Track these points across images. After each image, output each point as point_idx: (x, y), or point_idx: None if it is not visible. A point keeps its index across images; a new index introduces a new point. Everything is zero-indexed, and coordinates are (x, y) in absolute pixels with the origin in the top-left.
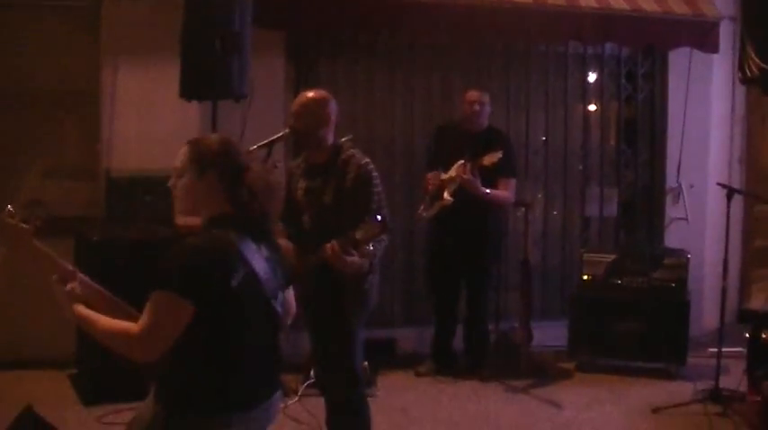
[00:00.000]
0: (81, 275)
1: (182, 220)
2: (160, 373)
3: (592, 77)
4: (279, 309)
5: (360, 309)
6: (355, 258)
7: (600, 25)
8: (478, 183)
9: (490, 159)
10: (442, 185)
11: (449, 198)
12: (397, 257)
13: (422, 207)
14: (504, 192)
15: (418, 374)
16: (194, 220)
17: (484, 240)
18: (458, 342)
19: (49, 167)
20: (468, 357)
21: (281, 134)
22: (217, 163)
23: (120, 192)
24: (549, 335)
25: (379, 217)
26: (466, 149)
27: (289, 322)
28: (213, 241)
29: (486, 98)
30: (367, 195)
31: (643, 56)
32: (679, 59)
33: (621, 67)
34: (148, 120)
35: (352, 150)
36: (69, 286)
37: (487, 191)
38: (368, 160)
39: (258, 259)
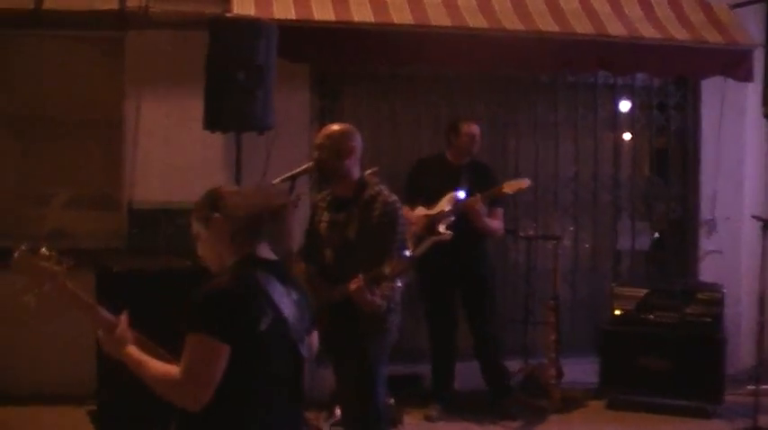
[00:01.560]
0: (124, 319)
1: None
2: (181, 413)
3: (623, 108)
4: (305, 353)
5: (380, 347)
6: (376, 298)
7: (630, 55)
8: (482, 214)
9: (515, 186)
10: (431, 221)
11: (447, 232)
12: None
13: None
14: (498, 222)
15: (429, 419)
16: None
17: (484, 267)
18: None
19: (72, 197)
20: (490, 392)
21: (305, 167)
22: (216, 205)
23: (142, 223)
24: (579, 371)
25: (407, 252)
26: (454, 182)
27: (310, 360)
28: (242, 283)
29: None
30: (391, 234)
31: (675, 85)
32: (712, 88)
33: (653, 98)
34: (172, 152)
35: (379, 186)
36: (118, 331)
37: (487, 220)
38: (395, 197)
39: (287, 302)
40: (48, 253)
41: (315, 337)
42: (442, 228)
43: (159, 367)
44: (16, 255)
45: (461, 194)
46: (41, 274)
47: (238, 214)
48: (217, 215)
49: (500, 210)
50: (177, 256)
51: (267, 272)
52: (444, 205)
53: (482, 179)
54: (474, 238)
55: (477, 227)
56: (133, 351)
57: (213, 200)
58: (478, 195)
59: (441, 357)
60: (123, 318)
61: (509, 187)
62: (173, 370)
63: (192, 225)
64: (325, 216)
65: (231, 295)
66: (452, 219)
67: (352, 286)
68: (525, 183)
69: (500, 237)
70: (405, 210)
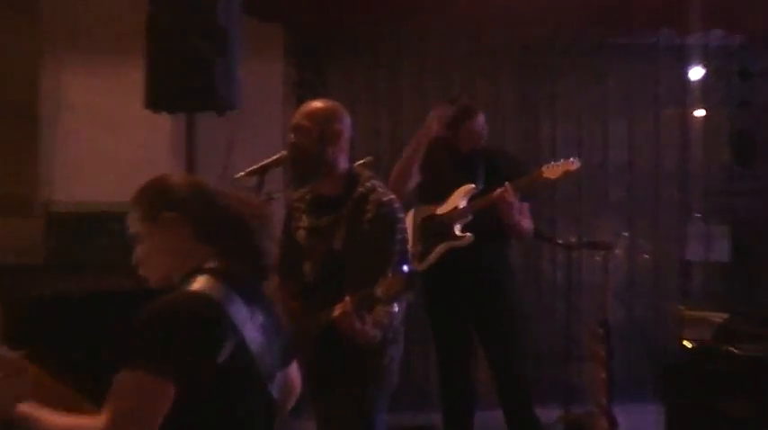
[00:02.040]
0: (11, 356)
1: None
2: None
3: (693, 76)
4: (275, 394)
5: (377, 390)
6: (367, 327)
7: (702, 6)
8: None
9: (559, 170)
10: (442, 221)
11: (466, 234)
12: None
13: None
14: (528, 220)
15: None
16: None
17: (505, 283)
18: None
19: None
20: None
21: (277, 156)
22: (165, 199)
23: (64, 231)
24: (639, 421)
25: (405, 267)
26: (467, 173)
27: (290, 406)
28: (193, 302)
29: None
30: (388, 244)
31: (762, 46)
32: None
33: (733, 62)
34: (104, 138)
35: (372, 181)
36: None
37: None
38: (392, 196)
39: (251, 328)
40: None
41: (294, 374)
42: (458, 230)
43: (70, 421)
44: None
45: (476, 186)
46: None
47: (198, 212)
48: (169, 213)
49: (526, 206)
50: (112, 274)
51: (227, 287)
52: (458, 201)
53: (502, 168)
54: (494, 243)
55: (507, 225)
56: (27, 408)
57: (164, 191)
58: (508, 185)
59: (453, 403)
60: (17, 360)
61: (551, 171)
62: (86, 422)
63: (131, 223)
64: (305, 220)
65: (179, 317)
66: (470, 217)
67: (337, 312)
68: (573, 164)
69: (526, 239)
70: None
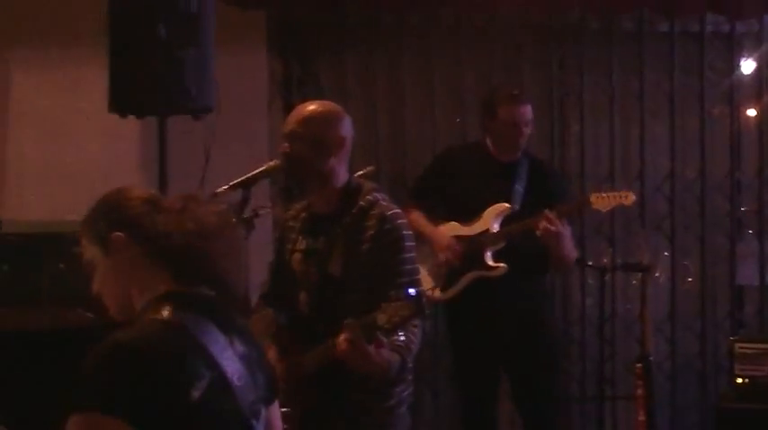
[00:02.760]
0: None
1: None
2: None
3: (745, 70)
4: None
5: None
6: (383, 351)
7: None
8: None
9: (610, 202)
10: (472, 246)
11: (499, 265)
12: (445, 355)
13: (432, 284)
14: (572, 248)
15: None
16: None
17: (544, 323)
18: None
19: None
20: None
21: (265, 167)
22: (113, 218)
23: (14, 254)
24: None
25: (412, 290)
26: (502, 187)
27: None
28: (158, 331)
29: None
30: (393, 265)
31: None
32: None
33: None
34: (60, 147)
35: (374, 194)
36: None
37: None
38: (397, 210)
39: (230, 358)
40: None
41: (276, 414)
42: (489, 258)
43: None
44: None
45: (512, 206)
46: None
47: (154, 231)
48: (118, 233)
49: (569, 230)
50: (72, 305)
51: (199, 314)
52: (490, 222)
53: (547, 186)
54: (533, 275)
55: (552, 256)
56: None
57: (113, 208)
58: (548, 213)
59: None
60: None
61: (601, 202)
62: None
63: (84, 248)
64: (301, 242)
65: (142, 350)
66: (503, 244)
67: (342, 342)
68: (627, 198)
69: (569, 270)
70: (430, 229)
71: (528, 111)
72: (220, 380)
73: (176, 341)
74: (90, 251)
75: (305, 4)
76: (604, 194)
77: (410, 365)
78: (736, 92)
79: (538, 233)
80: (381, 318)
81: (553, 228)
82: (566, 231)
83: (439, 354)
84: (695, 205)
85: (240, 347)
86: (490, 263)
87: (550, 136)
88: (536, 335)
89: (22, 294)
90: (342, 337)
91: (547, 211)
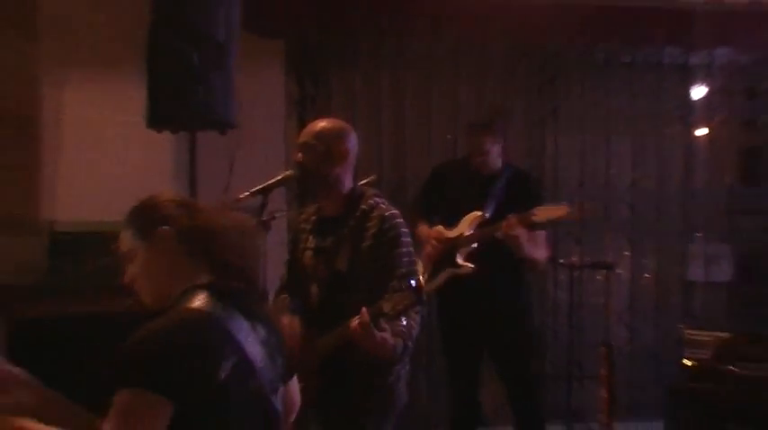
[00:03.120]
0: (14, 370)
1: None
2: None
3: (697, 95)
4: (279, 407)
5: (383, 412)
6: (387, 335)
7: (709, 24)
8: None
9: (547, 214)
10: (450, 247)
11: (466, 265)
12: (437, 337)
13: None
14: (541, 250)
15: None
16: None
17: (521, 314)
18: None
19: None
20: None
21: (282, 176)
22: (161, 215)
23: (66, 250)
24: None
25: (412, 281)
26: (480, 197)
27: (291, 420)
28: (192, 320)
29: (491, 139)
30: (392, 260)
31: None
32: None
33: (738, 81)
34: (105, 157)
35: (375, 199)
36: None
37: (531, 251)
38: (395, 211)
39: (253, 343)
40: None
41: (294, 389)
42: (460, 259)
43: None
44: None
45: (483, 214)
46: None
47: (188, 228)
48: (165, 227)
49: (542, 234)
50: (113, 295)
51: (225, 303)
52: (465, 227)
53: (518, 195)
54: (510, 273)
55: (519, 257)
56: (26, 424)
57: (154, 208)
58: (512, 217)
59: (459, 421)
60: (10, 370)
61: (541, 214)
62: None
63: (123, 241)
64: (311, 241)
65: (178, 335)
66: (473, 246)
67: (354, 324)
68: (561, 210)
69: (542, 268)
70: (421, 228)
71: (483, 141)
72: (244, 362)
73: (207, 328)
74: (130, 244)
75: (317, 34)
76: (546, 206)
77: (411, 347)
78: (689, 114)
79: (498, 236)
80: (386, 306)
81: (509, 230)
82: (524, 233)
83: (431, 337)
84: (653, 212)
85: (262, 333)
86: (460, 262)
87: (531, 149)
88: (516, 322)
89: (72, 283)
90: (355, 319)
91: (509, 217)
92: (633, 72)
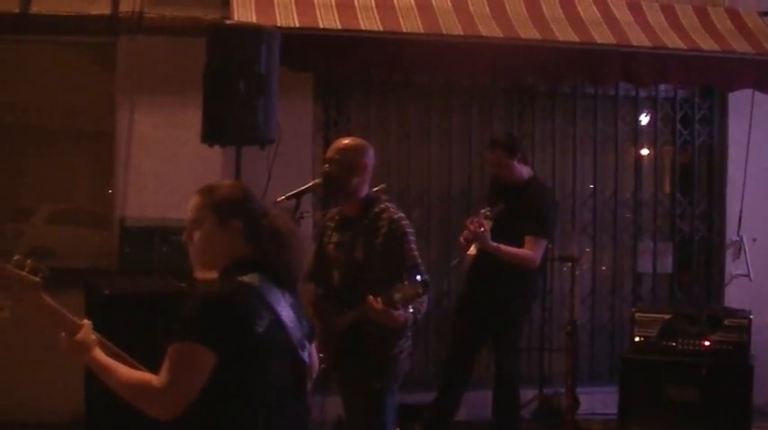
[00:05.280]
0: (88, 323)
1: (201, 274)
2: (176, 425)
3: (644, 121)
4: (306, 360)
5: (389, 376)
6: (400, 312)
7: (653, 65)
8: (486, 236)
9: (492, 213)
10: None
11: (472, 252)
12: (432, 315)
13: (457, 259)
14: (524, 251)
15: None
16: (214, 274)
17: (504, 300)
18: None
19: (57, 213)
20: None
21: (311, 184)
22: (239, 210)
23: (134, 242)
24: (598, 401)
25: (419, 277)
26: (502, 203)
27: (313, 377)
28: (235, 286)
29: (503, 156)
30: (400, 253)
31: (700, 98)
32: (740, 101)
33: (677, 110)
34: (167, 166)
35: (385, 203)
36: (78, 337)
37: (496, 245)
38: (401, 214)
39: (284, 305)
40: (23, 262)
41: (314, 351)
42: (472, 248)
43: (130, 372)
44: None
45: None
46: (17, 285)
47: (253, 222)
48: (236, 221)
49: (536, 241)
50: (171, 277)
51: (264, 275)
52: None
53: (523, 202)
54: (508, 281)
55: (488, 251)
56: (100, 355)
57: (238, 203)
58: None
59: (444, 380)
60: (86, 322)
61: (490, 212)
62: (147, 376)
63: (196, 208)
64: (334, 236)
65: (223, 299)
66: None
67: (372, 304)
68: (499, 207)
69: (529, 267)
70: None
71: (494, 155)
72: (277, 321)
73: (247, 294)
74: (202, 215)
75: (340, 69)
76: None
77: (412, 326)
78: (639, 137)
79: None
80: (397, 296)
81: (471, 226)
82: (478, 230)
83: (429, 317)
84: (610, 215)
85: (290, 300)
86: (470, 250)
87: None
88: (508, 322)
89: (139, 268)
90: (371, 298)
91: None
92: (594, 102)
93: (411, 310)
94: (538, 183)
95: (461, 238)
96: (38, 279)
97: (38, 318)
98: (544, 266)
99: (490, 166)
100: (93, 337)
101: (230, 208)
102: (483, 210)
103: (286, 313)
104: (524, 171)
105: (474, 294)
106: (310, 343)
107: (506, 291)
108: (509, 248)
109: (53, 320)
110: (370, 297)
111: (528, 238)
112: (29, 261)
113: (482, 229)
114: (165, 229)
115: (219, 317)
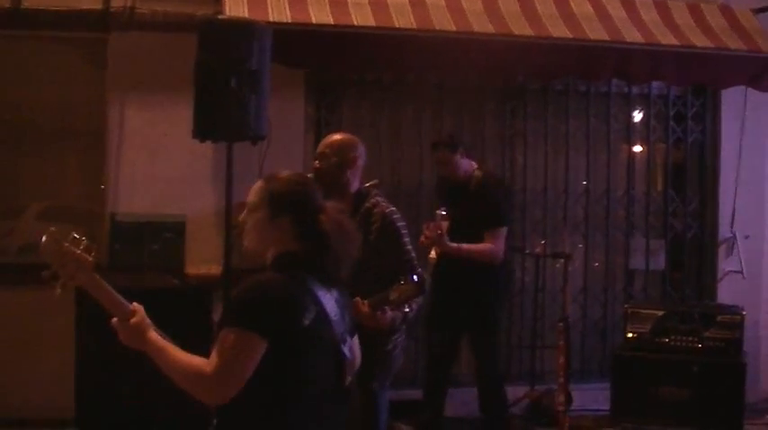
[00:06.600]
0: (140, 306)
1: (194, 269)
2: (222, 412)
3: (637, 118)
4: (347, 353)
5: (382, 371)
6: (387, 313)
7: (646, 62)
8: (444, 239)
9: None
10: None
11: (432, 256)
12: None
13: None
14: (485, 245)
15: None
16: (207, 270)
17: (476, 301)
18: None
19: (48, 209)
20: (484, 424)
21: None
22: (294, 208)
23: (125, 237)
24: (590, 398)
25: (415, 277)
26: (452, 202)
27: (355, 369)
28: (284, 278)
29: (447, 153)
30: (395, 250)
31: (693, 95)
32: (733, 99)
33: (670, 108)
34: (158, 161)
35: (377, 198)
36: (133, 320)
37: (456, 245)
38: (393, 208)
39: (328, 301)
40: (78, 238)
41: (356, 344)
42: (432, 253)
43: (185, 356)
44: (45, 238)
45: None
46: (73, 263)
47: (306, 221)
48: (287, 217)
49: (496, 231)
50: (162, 273)
51: (310, 270)
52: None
53: (474, 198)
54: (481, 272)
55: (448, 253)
56: (156, 337)
57: (298, 202)
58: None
59: (434, 381)
60: (138, 305)
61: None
62: (199, 360)
63: (256, 193)
64: None
65: (274, 289)
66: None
67: (360, 308)
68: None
69: (494, 260)
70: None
71: (438, 154)
72: (322, 313)
73: (295, 286)
74: (260, 203)
75: (331, 67)
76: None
77: (405, 324)
78: (631, 134)
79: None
80: (393, 295)
81: (426, 231)
82: (433, 234)
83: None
84: (602, 212)
85: (335, 294)
86: (431, 254)
87: (503, 164)
88: (486, 315)
89: (130, 264)
90: (357, 301)
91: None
92: (586, 99)
93: (407, 310)
94: (484, 173)
95: (420, 242)
96: (91, 259)
97: (89, 292)
98: (511, 256)
99: (436, 166)
100: (148, 320)
101: (283, 204)
102: (438, 211)
103: (330, 307)
104: (468, 165)
105: (444, 304)
106: (351, 337)
107: (476, 291)
108: (469, 246)
109: (104, 300)
110: (357, 299)
111: (486, 233)
112: (84, 239)
113: (439, 232)
114: (156, 225)
115: (269, 305)
